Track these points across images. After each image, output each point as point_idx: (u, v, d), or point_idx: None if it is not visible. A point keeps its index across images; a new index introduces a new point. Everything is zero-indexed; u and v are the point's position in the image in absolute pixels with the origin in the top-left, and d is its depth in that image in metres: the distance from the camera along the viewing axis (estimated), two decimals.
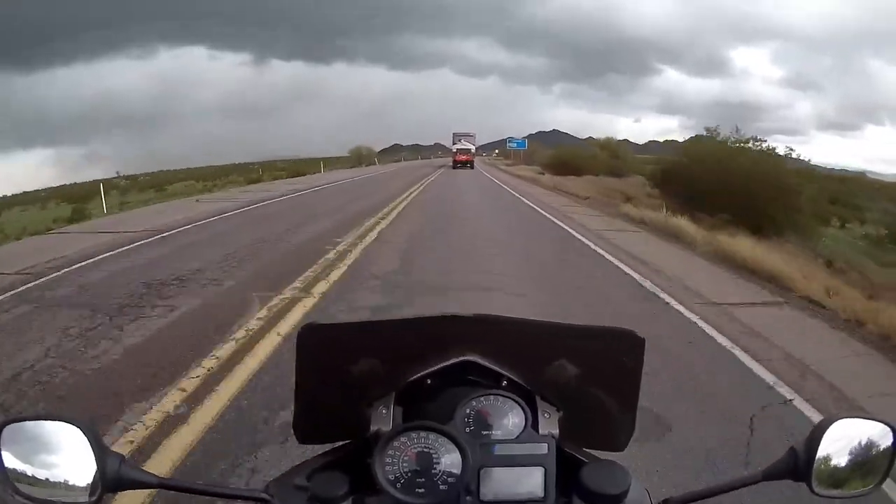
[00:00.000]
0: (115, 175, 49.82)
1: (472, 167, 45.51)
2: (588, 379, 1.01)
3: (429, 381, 1.00)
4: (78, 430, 0.80)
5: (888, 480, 0.89)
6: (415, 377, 0.99)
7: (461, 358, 0.99)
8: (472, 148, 51.77)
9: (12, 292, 6.98)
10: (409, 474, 0.84)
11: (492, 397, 0.95)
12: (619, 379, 1.02)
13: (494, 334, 1.00)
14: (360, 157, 64.20)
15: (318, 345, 1.00)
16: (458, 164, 46.02)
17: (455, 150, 49.59)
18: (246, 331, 5.23)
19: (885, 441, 0.87)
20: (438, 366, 0.99)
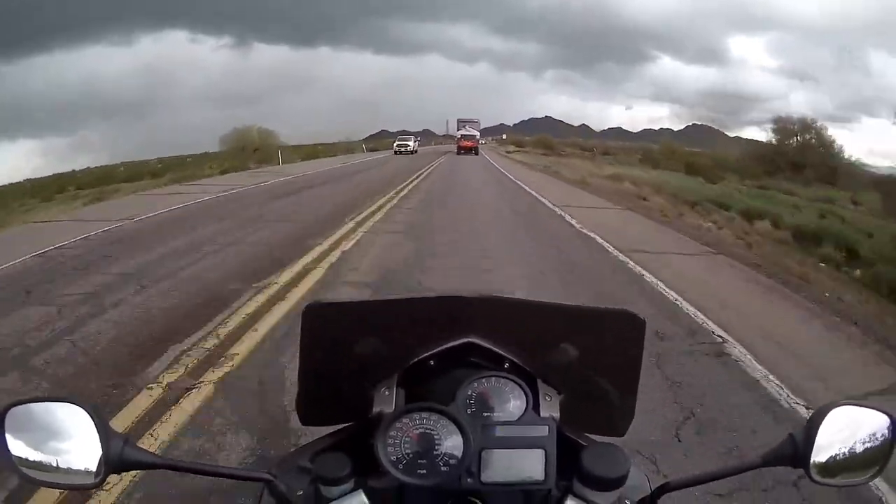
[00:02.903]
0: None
1: (476, 153, 44.44)
2: (589, 362, 1.01)
3: (431, 363, 1.00)
4: (83, 411, 0.80)
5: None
6: (418, 358, 1.00)
7: (464, 339, 1.00)
8: (477, 134, 51.21)
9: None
10: (411, 455, 0.85)
11: (493, 379, 0.95)
12: (620, 362, 1.03)
13: (497, 315, 1.01)
14: (245, 152, 37.26)
15: (322, 324, 1.00)
16: (462, 150, 45.20)
17: (459, 136, 49.14)
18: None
19: (883, 430, 0.87)
20: (441, 347, 1.00)
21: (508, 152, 56.10)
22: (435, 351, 1.00)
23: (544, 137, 78.42)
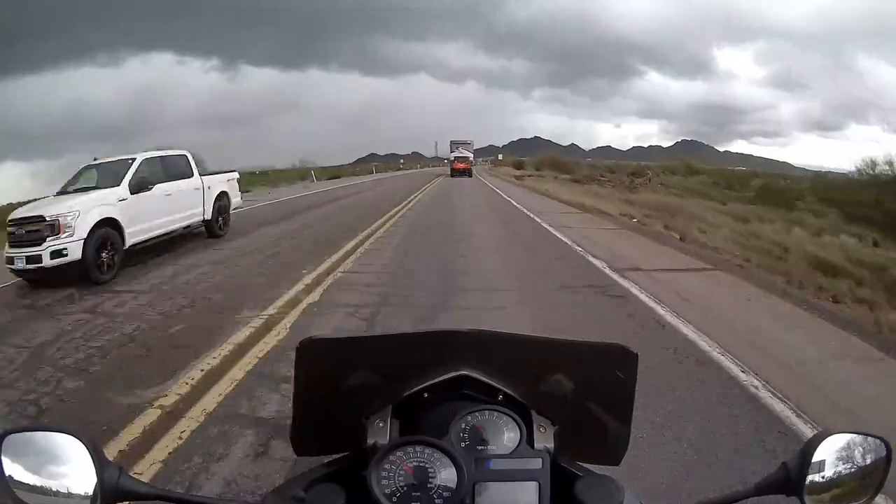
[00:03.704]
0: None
1: (469, 175, 44.04)
2: (583, 393, 1.02)
3: (425, 395, 1.01)
4: (78, 441, 0.80)
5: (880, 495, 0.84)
6: (412, 391, 1.00)
7: (457, 372, 1.00)
8: (470, 156, 51.29)
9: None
10: (405, 488, 0.85)
11: (487, 412, 0.96)
12: (614, 393, 1.04)
13: (490, 349, 1.01)
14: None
15: (317, 358, 1.01)
16: (455, 172, 44.75)
17: (453, 159, 49.02)
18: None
19: (877, 455, 0.88)
20: (435, 380, 1.00)
21: (518, 177, 43.32)
22: (429, 383, 1.00)
23: (553, 157, 65.12)
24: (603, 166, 60.48)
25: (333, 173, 46.87)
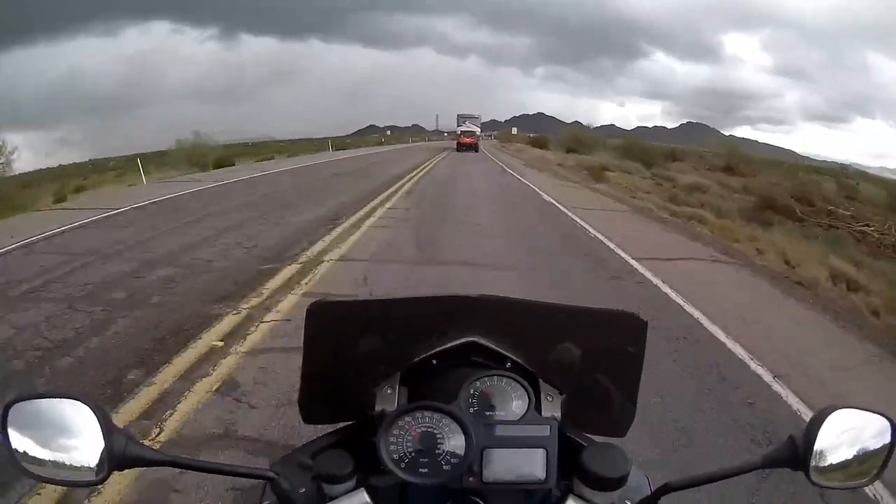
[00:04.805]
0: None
1: (476, 150, 42.27)
2: (591, 362, 1.02)
3: (434, 362, 1.01)
4: (86, 407, 0.79)
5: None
6: (420, 357, 1.00)
7: (466, 339, 1.00)
8: (477, 130, 49.87)
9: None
10: (413, 454, 0.85)
11: (495, 378, 0.96)
12: (622, 363, 1.03)
13: (499, 315, 1.01)
14: None
15: (326, 322, 1.00)
16: (462, 147, 42.87)
17: (459, 133, 47.38)
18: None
19: (883, 434, 0.87)
20: (444, 346, 1.00)
21: (592, 173, 23.29)
22: (437, 350, 1.00)
23: (634, 140, 43.59)
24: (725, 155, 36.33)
25: (220, 157, 30.21)
